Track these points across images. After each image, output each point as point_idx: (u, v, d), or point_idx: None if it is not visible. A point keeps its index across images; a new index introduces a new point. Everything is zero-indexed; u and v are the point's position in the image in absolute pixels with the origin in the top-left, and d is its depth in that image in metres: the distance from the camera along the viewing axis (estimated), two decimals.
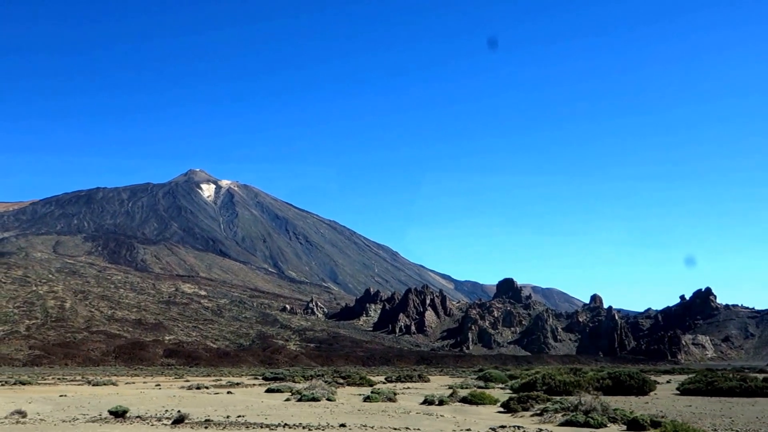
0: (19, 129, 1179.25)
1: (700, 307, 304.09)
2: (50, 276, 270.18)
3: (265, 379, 78.76)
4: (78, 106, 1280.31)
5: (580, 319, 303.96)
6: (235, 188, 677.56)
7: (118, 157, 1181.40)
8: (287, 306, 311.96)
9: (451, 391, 50.20)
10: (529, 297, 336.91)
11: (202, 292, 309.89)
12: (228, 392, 55.36)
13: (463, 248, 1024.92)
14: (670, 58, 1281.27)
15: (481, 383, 66.32)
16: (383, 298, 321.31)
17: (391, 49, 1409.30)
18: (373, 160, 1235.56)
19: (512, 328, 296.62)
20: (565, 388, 48.33)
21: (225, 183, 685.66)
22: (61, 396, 48.51)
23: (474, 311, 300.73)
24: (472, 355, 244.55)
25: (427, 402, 42.39)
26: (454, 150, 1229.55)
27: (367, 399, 44.07)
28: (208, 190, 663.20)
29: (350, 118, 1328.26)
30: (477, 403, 42.01)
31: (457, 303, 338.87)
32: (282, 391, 54.09)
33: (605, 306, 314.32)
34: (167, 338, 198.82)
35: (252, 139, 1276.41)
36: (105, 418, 32.12)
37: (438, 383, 75.04)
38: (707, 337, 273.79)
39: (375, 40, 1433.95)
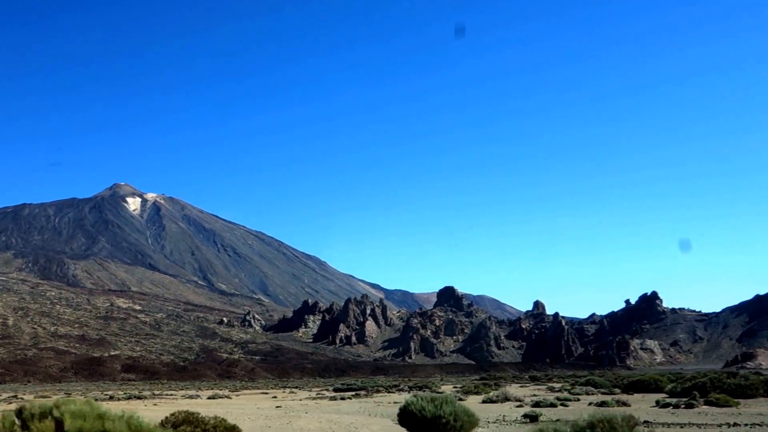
0: None
1: (646, 312, 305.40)
2: None
3: (336, 390, 79.07)
4: None
5: (523, 326, 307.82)
6: (161, 201, 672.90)
7: (41, 172, 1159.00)
8: (224, 319, 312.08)
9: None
10: (470, 305, 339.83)
11: (137, 307, 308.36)
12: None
13: (392, 257, 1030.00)
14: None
15: (574, 391, 58.62)
16: (322, 309, 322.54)
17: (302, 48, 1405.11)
18: (299, 168, 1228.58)
19: (454, 337, 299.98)
20: (745, 391, 45.47)
21: (151, 196, 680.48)
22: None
23: (415, 320, 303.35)
24: (416, 364, 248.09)
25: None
26: (375, 155, 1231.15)
27: (602, 404, 40.81)
28: (134, 204, 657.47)
29: (269, 126, 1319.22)
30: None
31: (398, 312, 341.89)
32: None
33: (548, 312, 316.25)
34: (113, 353, 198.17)
35: (174, 149, 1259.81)
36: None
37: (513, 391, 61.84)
38: (655, 342, 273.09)
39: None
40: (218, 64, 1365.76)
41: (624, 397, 49.72)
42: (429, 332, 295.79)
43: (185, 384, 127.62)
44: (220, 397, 66.16)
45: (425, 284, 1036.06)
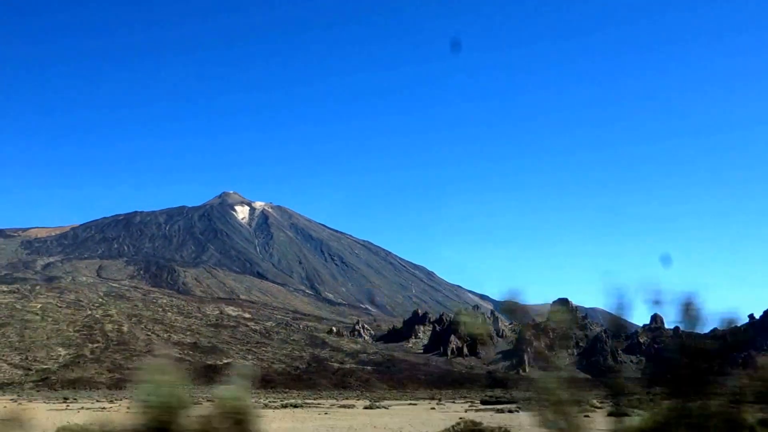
0: (51, 155, 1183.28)
1: None
2: (101, 300, 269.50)
3: (484, 402, 74.66)
4: (104, 130, 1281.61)
5: (641, 340, 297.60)
6: (269, 210, 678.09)
7: (151, 181, 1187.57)
8: (333, 328, 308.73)
9: None
10: (585, 317, 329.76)
11: (247, 315, 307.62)
12: None
13: (501, 268, 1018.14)
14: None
15: None
16: (432, 320, 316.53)
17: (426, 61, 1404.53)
18: (407, 178, 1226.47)
19: (569, 350, 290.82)
20: None
21: (259, 205, 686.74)
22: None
23: (529, 332, 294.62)
24: (531, 377, 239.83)
25: None
26: (483, 167, 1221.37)
27: None
28: (242, 213, 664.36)
29: (378, 136, 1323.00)
30: None
31: (510, 324, 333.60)
32: None
33: (666, 326, 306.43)
34: (225, 361, 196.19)
35: (282, 159, 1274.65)
36: None
37: None
38: None
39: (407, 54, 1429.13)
40: (326, 64, 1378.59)
41: None
42: (543, 345, 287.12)
43: (305, 393, 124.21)
44: (378, 407, 62.12)
45: (534, 296, 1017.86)
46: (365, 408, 61.82)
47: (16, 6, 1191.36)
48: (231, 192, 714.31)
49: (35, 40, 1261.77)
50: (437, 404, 75.25)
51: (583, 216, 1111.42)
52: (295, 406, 61.81)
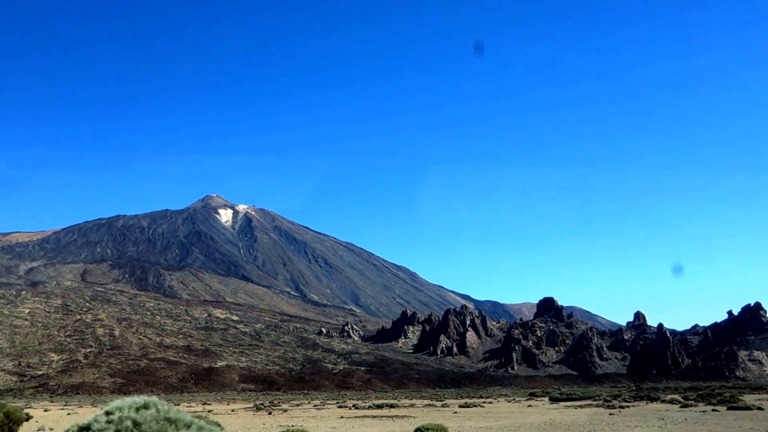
0: (30, 159, 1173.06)
1: (749, 323, 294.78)
2: (88, 304, 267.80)
3: (553, 399, 74.47)
4: (86, 132, 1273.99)
5: (625, 337, 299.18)
6: (252, 212, 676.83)
7: (133, 184, 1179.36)
8: (323, 330, 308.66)
9: None
10: (570, 316, 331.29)
11: (235, 317, 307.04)
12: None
13: (481, 268, 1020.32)
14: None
15: None
16: (420, 320, 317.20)
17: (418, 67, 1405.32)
18: (388, 180, 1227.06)
19: (556, 348, 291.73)
20: None
21: (242, 208, 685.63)
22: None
23: (516, 331, 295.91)
24: (520, 375, 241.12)
25: None
26: (462, 168, 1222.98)
27: None
28: (225, 216, 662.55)
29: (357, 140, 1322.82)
30: None
31: (497, 323, 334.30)
32: None
33: (648, 323, 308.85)
34: (219, 364, 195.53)
35: (264, 162, 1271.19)
36: None
37: None
38: (763, 353, 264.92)
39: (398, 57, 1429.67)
40: (309, 76, 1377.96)
41: None
42: (531, 343, 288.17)
43: (308, 394, 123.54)
44: (474, 406, 61.98)
45: (513, 295, 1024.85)
46: (461, 407, 62.00)
47: None
48: (214, 195, 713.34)
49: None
50: (487, 403, 74.71)
51: (566, 218, 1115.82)
52: (382, 406, 61.05)
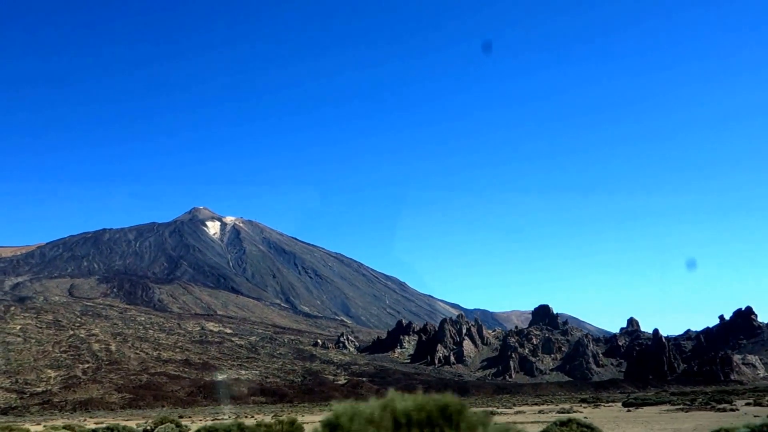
0: (17, 172, 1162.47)
1: (742, 327, 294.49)
2: (80, 320, 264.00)
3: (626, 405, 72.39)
4: (67, 146, 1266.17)
5: (620, 343, 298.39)
6: (240, 224, 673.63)
7: (118, 197, 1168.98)
8: (318, 341, 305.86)
9: None
10: (566, 323, 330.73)
11: (229, 330, 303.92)
12: None
13: (470, 276, 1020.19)
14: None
15: None
16: (416, 330, 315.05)
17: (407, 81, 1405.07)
18: (376, 192, 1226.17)
19: (552, 355, 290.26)
20: None
21: (230, 219, 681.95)
22: None
23: (512, 339, 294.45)
24: (518, 383, 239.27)
25: None
26: (452, 177, 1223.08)
27: None
28: (213, 228, 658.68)
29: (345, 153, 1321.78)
30: None
31: (493, 332, 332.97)
32: None
33: (642, 329, 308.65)
34: (220, 377, 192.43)
35: (251, 174, 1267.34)
36: None
37: None
38: (756, 357, 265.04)
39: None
40: (296, 89, 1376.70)
41: None
42: (527, 351, 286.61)
43: (326, 405, 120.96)
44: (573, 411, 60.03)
45: (501, 303, 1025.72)
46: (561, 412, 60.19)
47: None
48: (201, 207, 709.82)
49: None
50: (536, 408, 72.67)
51: (553, 226, 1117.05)
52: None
